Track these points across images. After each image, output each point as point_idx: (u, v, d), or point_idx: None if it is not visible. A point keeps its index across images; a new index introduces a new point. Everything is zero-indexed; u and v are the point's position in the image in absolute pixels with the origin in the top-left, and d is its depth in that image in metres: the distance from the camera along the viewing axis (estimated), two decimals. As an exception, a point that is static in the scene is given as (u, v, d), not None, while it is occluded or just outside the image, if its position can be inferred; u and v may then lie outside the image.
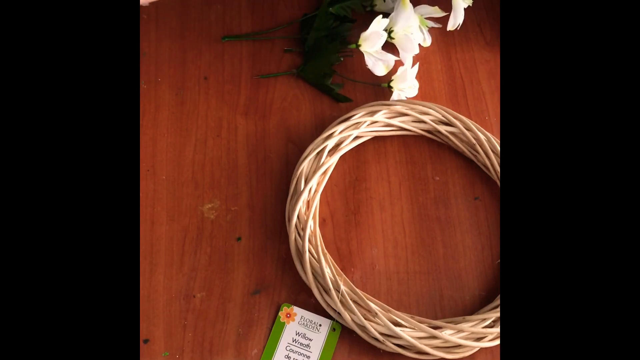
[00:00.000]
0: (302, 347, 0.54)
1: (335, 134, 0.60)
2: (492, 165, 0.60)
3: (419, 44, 0.67)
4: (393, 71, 0.64)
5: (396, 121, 0.62)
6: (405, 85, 0.64)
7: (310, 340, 0.54)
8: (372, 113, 0.62)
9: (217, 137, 0.63)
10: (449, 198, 0.61)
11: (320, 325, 0.55)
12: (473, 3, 0.67)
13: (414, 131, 0.63)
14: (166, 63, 0.67)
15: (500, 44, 0.65)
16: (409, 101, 0.64)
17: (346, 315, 0.53)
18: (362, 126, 0.61)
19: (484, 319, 0.53)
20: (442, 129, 0.62)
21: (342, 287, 0.53)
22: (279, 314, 0.55)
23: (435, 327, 0.53)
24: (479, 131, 0.61)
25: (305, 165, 0.59)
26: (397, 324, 0.52)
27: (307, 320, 0.55)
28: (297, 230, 0.56)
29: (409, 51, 0.64)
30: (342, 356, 0.54)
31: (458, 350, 0.53)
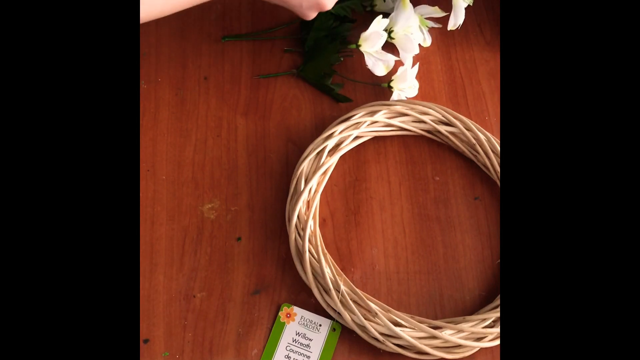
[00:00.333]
0: (302, 347, 0.54)
1: (335, 134, 0.60)
2: (492, 165, 0.60)
3: (419, 44, 0.67)
4: (393, 71, 0.64)
5: (396, 121, 0.62)
6: (405, 85, 0.64)
7: (310, 340, 0.54)
8: (372, 113, 0.62)
9: (217, 137, 0.63)
10: (449, 198, 0.61)
11: (320, 325, 0.55)
12: (473, 3, 0.67)
13: (414, 131, 0.63)
14: (166, 63, 0.67)
15: (500, 44, 0.65)
16: (409, 101, 0.64)
17: (346, 315, 0.53)
18: (362, 126, 0.61)
19: (484, 319, 0.53)
20: (442, 129, 0.62)
21: (342, 287, 0.53)
22: (279, 314, 0.55)
23: (435, 327, 0.53)
24: (479, 131, 0.61)
25: (305, 165, 0.59)
26: (397, 324, 0.52)
27: (307, 320, 0.55)
28: (297, 230, 0.56)
29: (409, 51, 0.64)
30: (342, 356, 0.54)
31: (458, 350, 0.53)
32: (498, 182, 0.61)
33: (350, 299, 0.53)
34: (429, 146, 0.64)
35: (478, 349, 0.53)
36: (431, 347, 0.52)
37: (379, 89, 0.67)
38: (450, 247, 0.59)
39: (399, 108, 0.62)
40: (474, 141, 0.61)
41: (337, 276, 0.54)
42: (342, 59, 0.66)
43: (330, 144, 0.60)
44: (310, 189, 0.58)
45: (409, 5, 0.64)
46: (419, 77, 0.66)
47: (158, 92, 0.65)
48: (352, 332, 0.54)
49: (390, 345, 0.52)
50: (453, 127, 0.62)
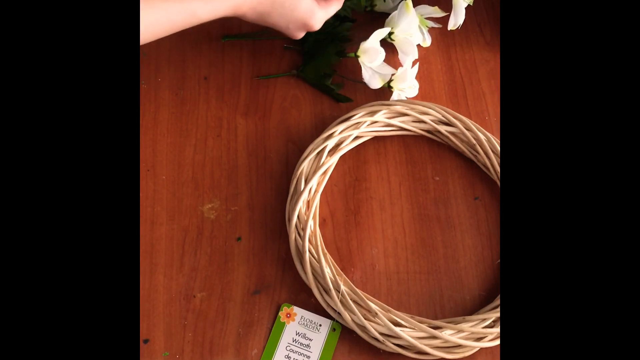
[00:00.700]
0: (302, 347, 0.54)
1: (335, 134, 0.60)
2: (492, 165, 0.61)
3: (419, 44, 0.66)
4: (393, 71, 0.64)
5: (396, 121, 0.62)
6: (405, 85, 0.64)
7: (310, 340, 0.54)
8: (372, 113, 0.62)
9: (217, 137, 0.63)
10: (449, 198, 0.61)
11: (320, 325, 0.55)
12: (473, 3, 0.67)
13: (414, 131, 0.63)
14: (166, 63, 0.67)
15: (500, 44, 0.65)
16: (409, 101, 0.64)
17: (346, 315, 0.52)
18: (362, 126, 0.61)
19: (484, 319, 0.53)
20: (442, 129, 0.62)
21: (342, 287, 0.53)
22: (279, 314, 0.55)
23: (435, 327, 0.53)
24: (479, 131, 0.61)
25: (305, 165, 0.59)
26: (397, 324, 0.52)
27: (307, 320, 0.55)
28: (297, 230, 0.56)
29: (409, 54, 0.64)
30: (342, 356, 0.54)
31: (458, 350, 0.53)
32: (498, 182, 0.61)
33: (350, 299, 0.53)
34: (429, 146, 0.64)
35: (478, 349, 0.53)
36: (431, 347, 0.52)
37: (379, 89, 0.67)
38: (450, 247, 0.59)
39: (399, 108, 0.62)
40: (474, 141, 0.61)
41: (337, 276, 0.54)
42: (340, 59, 0.66)
43: (330, 144, 0.60)
44: (310, 189, 0.58)
45: (412, 10, 0.64)
46: (419, 77, 0.66)
47: (158, 92, 0.65)
48: (352, 332, 0.54)
49: (390, 345, 0.52)
50: (453, 127, 0.62)
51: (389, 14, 0.66)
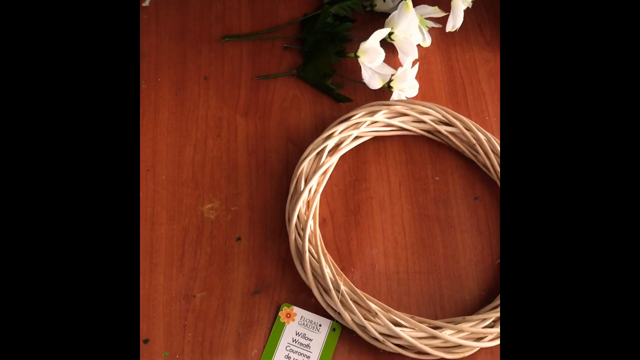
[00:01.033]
0: (302, 347, 0.54)
1: (335, 134, 0.60)
2: (492, 165, 0.60)
3: (419, 44, 0.66)
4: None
5: (396, 121, 0.62)
6: (405, 85, 0.64)
7: (310, 340, 0.54)
8: (372, 113, 0.62)
9: (217, 137, 0.63)
10: (449, 198, 0.61)
11: (320, 325, 0.55)
12: (473, 3, 0.67)
13: (414, 131, 0.63)
14: (166, 63, 0.67)
15: (500, 44, 0.65)
16: (409, 101, 0.64)
17: (346, 315, 0.52)
18: (362, 126, 0.61)
19: (484, 319, 0.53)
20: (442, 129, 0.62)
21: (342, 287, 0.53)
22: (279, 314, 0.55)
23: (435, 327, 0.53)
24: (479, 131, 0.61)
25: (305, 165, 0.59)
26: (397, 324, 0.52)
27: (307, 320, 0.55)
28: (297, 230, 0.56)
29: (409, 54, 0.64)
30: (342, 356, 0.54)
31: (458, 350, 0.53)
32: (498, 182, 0.61)
33: (350, 299, 0.53)
34: (429, 146, 0.64)
35: (478, 349, 0.53)
36: (431, 347, 0.52)
37: (379, 89, 0.67)
38: (450, 247, 0.59)
39: (399, 108, 0.62)
40: (474, 141, 0.61)
41: (337, 276, 0.54)
42: (340, 60, 0.66)
43: (330, 144, 0.60)
44: (310, 189, 0.58)
45: (412, 10, 0.64)
46: (418, 77, 0.66)
47: (158, 92, 0.65)
48: (352, 332, 0.54)
49: (390, 345, 0.52)
50: (453, 127, 0.62)
51: (389, 14, 0.66)
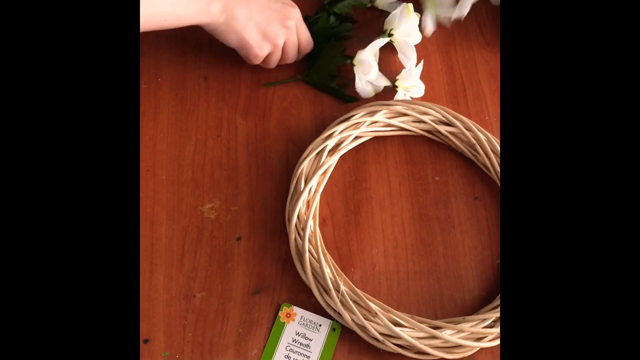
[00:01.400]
0: (302, 347, 0.54)
1: (335, 134, 0.60)
2: (492, 165, 0.60)
3: (420, 37, 0.67)
4: (398, 70, 0.64)
5: (396, 121, 0.62)
6: (410, 83, 0.64)
7: (310, 340, 0.54)
8: (372, 113, 0.62)
9: (217, 137, 0.63)
10: (449, 198, 0.61)
11: (320, 325, 0.55)
12: (473, 3, 0.67)
13: (414, 131, 0.63)
14: (166, 63, 0.67)
15: (500, 44, 0.65)
16: (408, 101, 0.64)
17: (346, 315, 0.52)
18: (362, 126, 0.61)
19: (484, 319, 0.53)
20: (442, 129, 0.62)
21: (342, 287, 0.53)
22: (279, 314, 0.55)
23: (435, 327, 0.53)
24: (479, 131, 0.61)
25: (305, 165, 0.59)
26: (397, 324, 0.52)
27: (307, 320, 0.55)
28: (297, 230, 0.56)
29: (407, 56, 0.64)
30: (342, 356, 0.54)
31: (458, 350, 0.53)
32: (498, 182, 0.61)
33: (350, 299, 0.53)
34: (429, 146, 0.64)
35: (478, 349, 0.53)
36: (431, 347, 0.52)
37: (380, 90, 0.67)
38: (450, 247, 0.59)
39: (399, 108, 0.62)
40: (474, 141, 0.61)
41: (337, 276, 0.54)
42: (345, 60, 0.66)
43: (330, 144, 0.60)
44: (310, 189, 0.58)
45: (413, 14, 0.64)
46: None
47: (158, 92, 0.65)
48: (352, 332, 0.54)
49: (390, 345, 0.52)
50: (453, 127, 0.62)
51: (389, 13, 0.66)
